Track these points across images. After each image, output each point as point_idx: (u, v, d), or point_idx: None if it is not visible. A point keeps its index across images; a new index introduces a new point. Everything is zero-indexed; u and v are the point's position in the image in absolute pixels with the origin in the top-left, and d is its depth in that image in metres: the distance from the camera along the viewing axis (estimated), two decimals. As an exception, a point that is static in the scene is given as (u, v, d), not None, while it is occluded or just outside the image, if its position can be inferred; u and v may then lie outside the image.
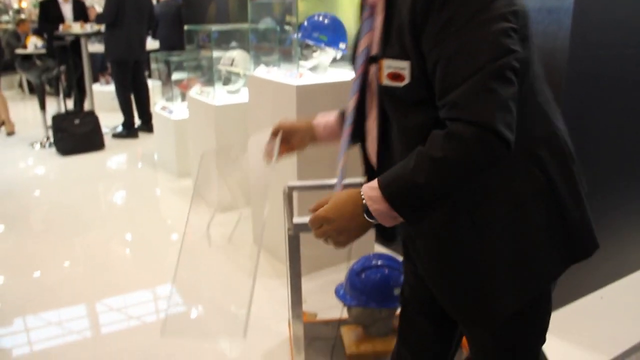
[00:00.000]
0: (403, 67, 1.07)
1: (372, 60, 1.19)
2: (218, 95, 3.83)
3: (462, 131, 0.96)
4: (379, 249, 3.11)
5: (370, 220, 1.07)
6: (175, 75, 4.94)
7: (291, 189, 2.15)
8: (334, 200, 1.10)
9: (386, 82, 1.11)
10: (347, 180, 1.66)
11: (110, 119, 6.40)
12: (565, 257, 1.18)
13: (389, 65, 1.10)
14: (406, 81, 1.07)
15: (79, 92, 6.37)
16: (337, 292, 2.16)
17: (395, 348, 1.57)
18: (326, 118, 1.51)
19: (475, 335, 1.32)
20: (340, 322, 2.32)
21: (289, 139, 1.51)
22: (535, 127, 1.13)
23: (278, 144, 1.47)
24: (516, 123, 0.99)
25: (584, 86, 2.29)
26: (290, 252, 1.72)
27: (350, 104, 1.28)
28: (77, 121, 5.44)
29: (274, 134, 1.49)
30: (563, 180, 1.16)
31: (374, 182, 1.05)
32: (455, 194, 1.07)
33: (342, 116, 1.46)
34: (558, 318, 2.53)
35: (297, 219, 1.68)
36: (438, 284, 1.24)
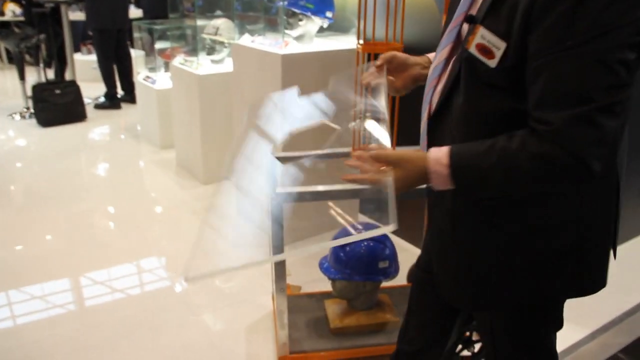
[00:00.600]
0: (498, 46, 0.97)
1: (469, 19, 1.05)
2: (202, 64, 3.74)
3: (555, 156, 0.92)
4: (363, 219, 3.09)
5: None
6: (159, 45, 4.82)
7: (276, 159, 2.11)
8: (404, 153, 1.06)
9: (473, 50, 1.01)
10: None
11: (92, 89, 6.26)
12: (572, 287, 1.16)
13: (484, 36, 0.99)
14: (495, 61, 0.98)
15: (59, 61, 6.20)
16: (320, 265, 2.13)
17: (404, 319, 1.57)
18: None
19: (480, 318, 1.31)
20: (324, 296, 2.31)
21: (396, 73, 1.35)
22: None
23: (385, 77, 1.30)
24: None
25: None
26: (273, 224, 1.68)
27: (440, 56, 1.15)
28: (58, 91, 5.31)
29: (379, 67, 1.32)
30: (607, 217, 1.12)
31: (444, 157, 1.00)
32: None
33: None
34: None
35: (280, 189, 1.65)
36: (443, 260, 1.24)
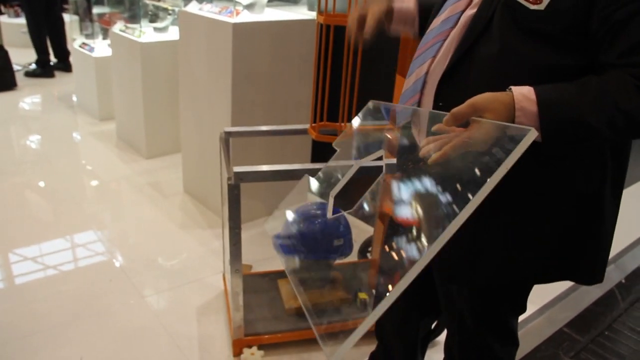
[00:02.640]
0: None
1: None
2: (145, 32, 3.54)
3: None
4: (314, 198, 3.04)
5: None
6: (96, 10, 4.54)
7: (228, 135, 2.02)
8: (483, 96, 0.89)
9: None
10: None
11: (21, 55, 5.85)
12: (566, 269, 1.13)
13: None
14: (544, 3, 0.90)
15: (-16, 23, 5.76)
16: (274, 243, 2.06)
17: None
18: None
19: (451, 298, 1.28)
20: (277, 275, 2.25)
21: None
22: None
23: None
24: None
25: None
26: (230, 203, 1.59)
27: (454, 8, 1.07)
28: (-18, 56, 4.93)
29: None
30: (613, 199, 1.08)
31: (531, 93, 0.89)
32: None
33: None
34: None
35: (237, 168, 1.56)
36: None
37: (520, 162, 0.75)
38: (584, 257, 1.10)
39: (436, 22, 1.11)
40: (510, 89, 0.91)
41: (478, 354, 1.30)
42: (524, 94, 0.89)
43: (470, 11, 1.03)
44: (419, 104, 1.10)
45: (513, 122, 0.89)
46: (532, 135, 0.73)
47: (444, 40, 1.06)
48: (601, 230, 1.09)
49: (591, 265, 1.12)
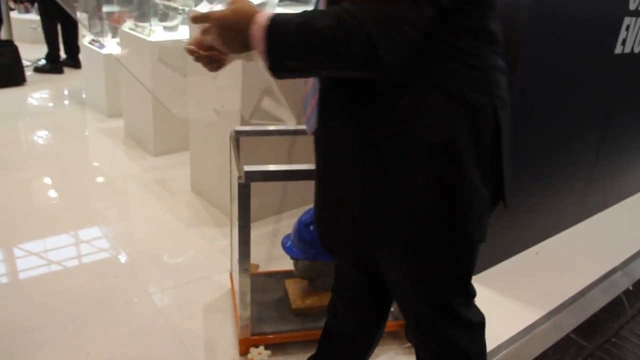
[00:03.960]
0: None
1: None
2: (154, 31, 3.54)
3: (344, 19, 0.91)
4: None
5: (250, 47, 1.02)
6: (105, 8, 4.54)
7: (238, 134, 2.02)
8: (235, 7, 1.03)
9: None
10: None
11: (30, 50, 5.88)
12: (443, 228, 1.09)
13: None
14: None
15: (-6, 18, 5.79)
16: (283, 244, 2.06)
17: (331, 300, 1.58)
18: None
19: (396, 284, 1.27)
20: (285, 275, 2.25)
21: None
22: (467, 74, 1.03)
23: None
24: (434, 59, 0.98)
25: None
26: (240, 202, 1.59)
27: None
28: (-7, 51, 4.95)
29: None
30: (480, 155, 1.06)
31: (264, 18, 0.99)
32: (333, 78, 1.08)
33: None
34: (495, 274, 2.60)
35: (249, 167, 1.56)
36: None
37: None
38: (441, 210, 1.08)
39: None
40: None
41: (432, 339, 1.28)
42: (266, 14, 1.00)
43: None
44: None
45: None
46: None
47: None
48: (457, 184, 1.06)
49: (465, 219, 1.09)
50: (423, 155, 1.03)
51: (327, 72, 1.05)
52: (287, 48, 0.97)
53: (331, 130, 1.14)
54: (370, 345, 1.61)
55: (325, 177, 1.20)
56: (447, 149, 1.03)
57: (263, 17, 0.98)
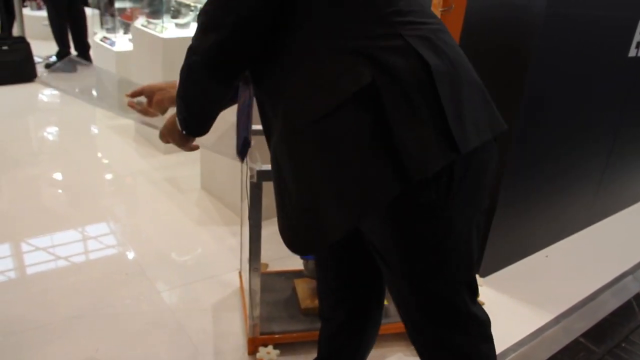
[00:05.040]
0: None
1: None
2: (167, 27, 3.56)
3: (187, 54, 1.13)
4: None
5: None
6: (117, 4, 4.57)
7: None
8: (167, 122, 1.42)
9: None
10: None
11: (42, 47, 5.90)
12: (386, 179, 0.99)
13: None
14: None
15: (7, 14, 5.81)
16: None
17: (322, 284, 1.50)
18: None
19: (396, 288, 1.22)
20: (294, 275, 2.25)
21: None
22: (376, 27, 0.98)
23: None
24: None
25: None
26: (252, 201, 1.60)
27: None
28: (5, 47, 4.97)
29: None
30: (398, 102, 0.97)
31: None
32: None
33: None
34: (504, 277, 2.59)
35: (261, 166, 1.56)
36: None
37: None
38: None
39: None
40: None
41: (433, 345, 1.23)
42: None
43: None
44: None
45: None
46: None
47: None
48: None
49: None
50: (348, 108, 0.97)
51: (201, 107, 1.26)
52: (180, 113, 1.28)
53: (284, 136, 1.08)
54: (364, 339, 1.55)
55: (281, 180, 1.14)
56: (366, 99, 0.97)
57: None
